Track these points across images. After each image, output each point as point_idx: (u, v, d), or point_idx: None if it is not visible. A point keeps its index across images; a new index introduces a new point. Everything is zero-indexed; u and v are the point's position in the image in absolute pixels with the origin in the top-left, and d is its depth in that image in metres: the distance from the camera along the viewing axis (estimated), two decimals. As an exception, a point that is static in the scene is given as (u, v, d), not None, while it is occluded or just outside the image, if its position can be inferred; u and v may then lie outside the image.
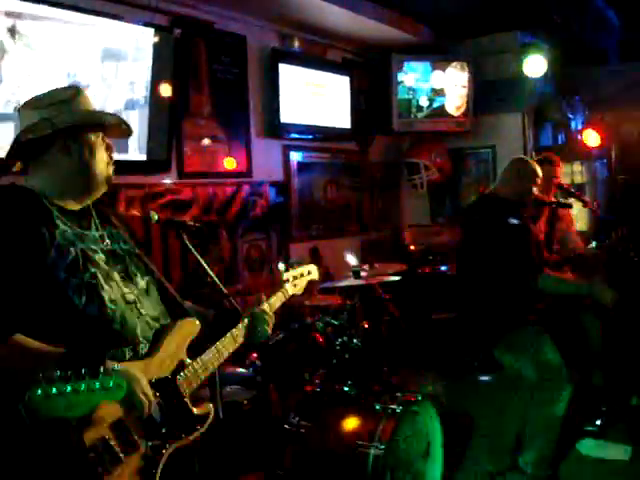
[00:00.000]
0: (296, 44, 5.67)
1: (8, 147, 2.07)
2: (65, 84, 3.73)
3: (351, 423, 3.40)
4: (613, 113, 6.77)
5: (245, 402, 3.35)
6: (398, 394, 3.59)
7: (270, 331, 2.44)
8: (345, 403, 3.58)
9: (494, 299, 3.86)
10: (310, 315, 3.99)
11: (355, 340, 3.97)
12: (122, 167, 4.08)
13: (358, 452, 3.22)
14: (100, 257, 2.09)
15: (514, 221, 3.91)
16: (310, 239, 5.79)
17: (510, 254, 3.84)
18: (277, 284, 2.57)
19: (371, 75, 6.61)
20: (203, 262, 2.54)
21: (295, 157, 5.72)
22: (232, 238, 4.98)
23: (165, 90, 4.32)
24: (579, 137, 6.71)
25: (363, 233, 6.55)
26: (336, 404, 3.57)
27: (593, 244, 4.83)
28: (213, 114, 4.88)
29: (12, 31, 3.47)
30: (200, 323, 2.25)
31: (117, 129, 2.27)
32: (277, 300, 2.57)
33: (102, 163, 2.15)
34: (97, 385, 1.61)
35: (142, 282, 2.20)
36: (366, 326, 4.12)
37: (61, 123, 2.04)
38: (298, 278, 2.62)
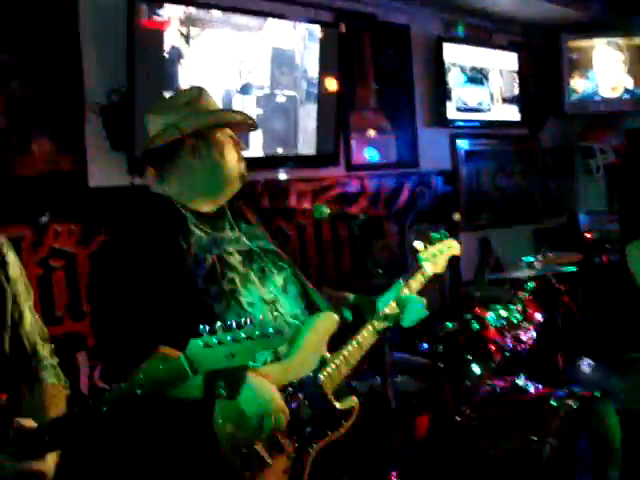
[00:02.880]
0: (460, 30, 5.56)
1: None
2: (238, 85, 3.90)
3: (524, 418, 3.32)
4: None
5: (416, 393, 3.36)
6: (575, 389, 3.47)
7: (415, 317, 2.28)
8: (518, 397, 3.50)
9: None
10: (481, 306, 3.91)
11: (529, 332, 3.86)
12: (293, 162, 4.29)
13: (532, 447, 3.14)
14: (236, 259, 2.08)
15: None
16: (479, 229, 5.68)
17: None
18: (415, 265, 2.39)
19: (539, 57, 6.37)
20: (371, 253, 2.53)
21: (462, 145, 5.63)
22: (400, 229, 4.99)
23: (332, 84, 4.40)
24: None
25: (535, 221, 6.33)
26: (509, 398, 3.50)
27: None
28: (379, 105, 4.91)
29: (186, 37, 3.67)
30: (340, 315, 2.21)
31: (244, 125, 2.28)
32: (416, 282, 2.38)
33: (232, 161, 2.13)
34: (257, 332, 1.59)
35: (280, 279, 2.17)
36: (540, 318, 3.99)
37: (187, 127, 2.06)
38: (437, 256, 2.43)
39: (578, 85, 6.25)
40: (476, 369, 3.59)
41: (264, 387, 1.90)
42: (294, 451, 1.96)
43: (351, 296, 2.41)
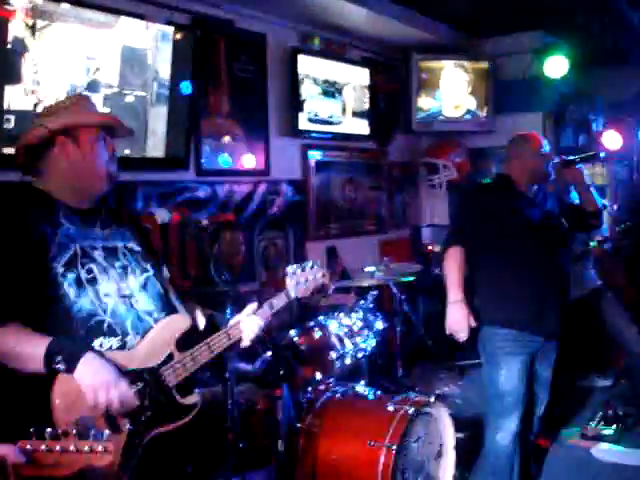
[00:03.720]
0: (316, 43, 5.66)
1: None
2: (84, 82, 3.78)
3: (363, 423, 3.41)
4: (634, 114, 6.71)
5: (257, 400, 3.38)
6: (411, 395, 3.60)
7: (248, 341, 2.51)
8: (358, 403, 3.59)
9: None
10: (325, 314, 3.99)
11: (369, 339, 3.98)
12: (140, 164, 4.18)
13: (370, 452, 3.23)
14: (99, 253, 2.25)
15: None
16: (327, 238, 5.80)
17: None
18: (281, 285, 2.61)
19: (390, 74, 6.60)
20: (218, 261, 2.58)
21: (313, 156, 5.72)
22: (249, 236, 4.99)
23: (185, 88, 4.35)
24: (600, 138, 6.66)
25: (381, 232, 6.54)
26: (349, 404, 3.58)
27: (592, 243, 4.83)
28: (232, 112, 4.90)
29: (32, 29, 3.51)
30: (195, 320, 2.45)
31: (119, 129, 2.43)
32: (279, 302, 2.59)
33: (101, 162, 2.30)
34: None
35: (141, 278, 2.34)
36: (381, 326, 4.12)
37: (54, 126, 2.21)
38: (306, 282, 2.62)
39: (425, 104, 6.53)
40: (317, 375, 3.66)
41: (100, 365, 2.06)
42: (130, 433, 2.09)
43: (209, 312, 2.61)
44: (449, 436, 3.58)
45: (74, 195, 2.27)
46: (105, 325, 2.16)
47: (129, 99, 4.04)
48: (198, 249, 4.36)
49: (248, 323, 2.48)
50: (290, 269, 2.60)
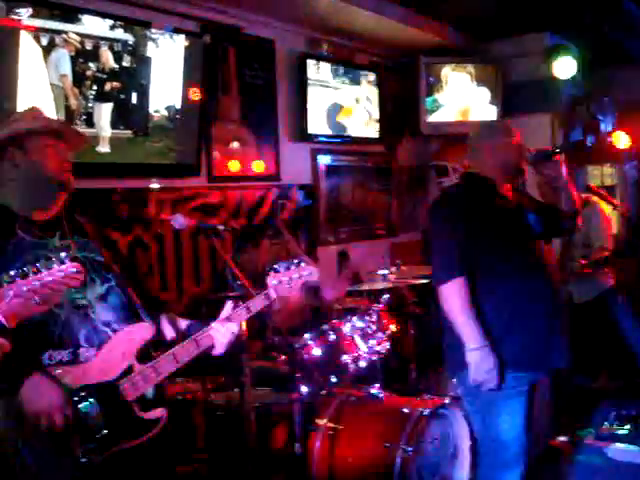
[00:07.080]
0: (324, 48, 5.69)
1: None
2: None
3: (379, 425, 3.42)
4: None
5: (273, 404, 3.39)
6: (426, 397, 3.61)
7: (222, 347, 2.33)
8: (373, 405, 3.60)
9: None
10: (338, 317, 4.01)
11: (383, 342, 3.99)
12: (152, 171, 4.21)
13: (386, 454, 3.24)
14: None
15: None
16: (338, 242, 5.81)
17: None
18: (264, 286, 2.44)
19: (399, 77, 6.61)
20: (233, 266, 2.55)
21: (323, 160, 5.74)
22: (261, 241, 5.01)
23: (195, 95, 4.38)
24: (609, 139, 6.64)
25: (392, 235, 6.55)
26: (364, 406, 3.59)
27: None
28: (242, 118, 4.93)
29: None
30: (162, 329, 2.34)
31: (72, 136, 2.32)
32: (256, 305, 2.41)
33: (52, 169, 2.20)
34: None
35: (101, 289, 2.25)
36: (394, 328, 4.13)
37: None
38: (289, 281, 2.42)
39: (434, 106, 6.53)
40: (332, 378, 3.68)
41: (43, 386, 1.96)
42: (82, 452, 1.99)
43: (185, 323, 2.47)
44: (464, 437, 3.58)
45: (31, 205, 2.21)
46: (55, 337, 2.08)
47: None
48: (211, 255, 4.39)
49: (220, 330, 2.31)
50: (275, 267, 2.42)
